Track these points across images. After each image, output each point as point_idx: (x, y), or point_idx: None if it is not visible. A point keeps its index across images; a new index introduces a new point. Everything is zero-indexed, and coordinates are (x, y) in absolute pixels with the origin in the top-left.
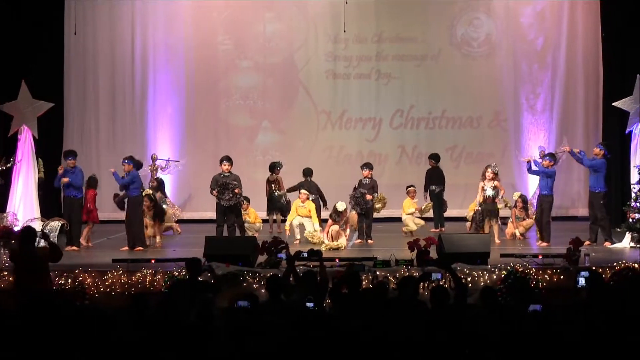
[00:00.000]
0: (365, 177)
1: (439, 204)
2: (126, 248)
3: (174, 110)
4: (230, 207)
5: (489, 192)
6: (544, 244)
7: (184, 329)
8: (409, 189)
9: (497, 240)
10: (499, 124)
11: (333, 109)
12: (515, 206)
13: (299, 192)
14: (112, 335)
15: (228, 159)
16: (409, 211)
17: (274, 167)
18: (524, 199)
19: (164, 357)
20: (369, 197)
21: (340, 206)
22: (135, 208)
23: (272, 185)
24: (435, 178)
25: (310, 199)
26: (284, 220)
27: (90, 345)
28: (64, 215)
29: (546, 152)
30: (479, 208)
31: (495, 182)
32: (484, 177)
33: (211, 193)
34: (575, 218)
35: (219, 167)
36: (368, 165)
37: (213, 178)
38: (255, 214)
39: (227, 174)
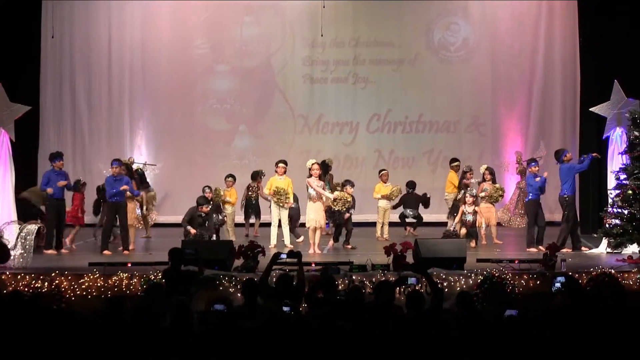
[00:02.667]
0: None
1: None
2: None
3: (150, 114)
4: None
5: (469, 217)
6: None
7: (160, 332)
8: (382, 172)
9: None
10: (477, 129)
11: (310, 113)
12: (483, 180)
13: (276, 166)
14: (87, 338)
15: (206, 200)
16: (377, 196)
17: (256, 175)
18: (491, 171)
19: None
20: (347, 215)
21: (309, 162)
22: (111, 213)
23: (250, 191)
24: (410, 204)
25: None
26: (261, 224)
27: (66, 348)
28: (49, 217)
29: (526, 159)
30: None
31: (475, 207)
32: (463, 202)
33: (184, 226)
34: (552, 223)
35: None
36: (350, 183)
37: (188, 211)
38: (235, 196)
39: (203, 215)
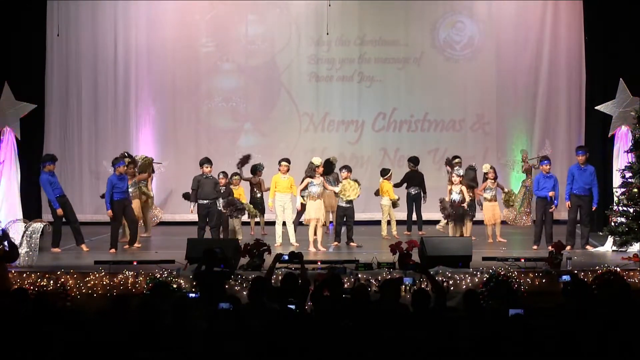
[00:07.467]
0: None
1: (417, 207)
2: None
3: (156, 112)
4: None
5: (455, 197)
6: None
7: (164, 331)
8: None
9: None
10: (482, 127)
11: (315, 111)
12: (485, 179)
13: (279, 164)
14: (92, 336)
15: (208, 161)
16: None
17: (255, 170)
18: (494, 170)
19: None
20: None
21: (316, 160)
22: (120, 211)
23: (254, 187)
24: (414, 181)
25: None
26: (266, 223)
27: (71, 347)
28: (57, 215)
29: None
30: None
31: (461, 187)
32: (450, 182)
33: (191, 196)
34: (558, 221)
35: (200, 170)
36: (347, 168)
37: (194, 178)
38: (243, 194)
39: (208, 176)
